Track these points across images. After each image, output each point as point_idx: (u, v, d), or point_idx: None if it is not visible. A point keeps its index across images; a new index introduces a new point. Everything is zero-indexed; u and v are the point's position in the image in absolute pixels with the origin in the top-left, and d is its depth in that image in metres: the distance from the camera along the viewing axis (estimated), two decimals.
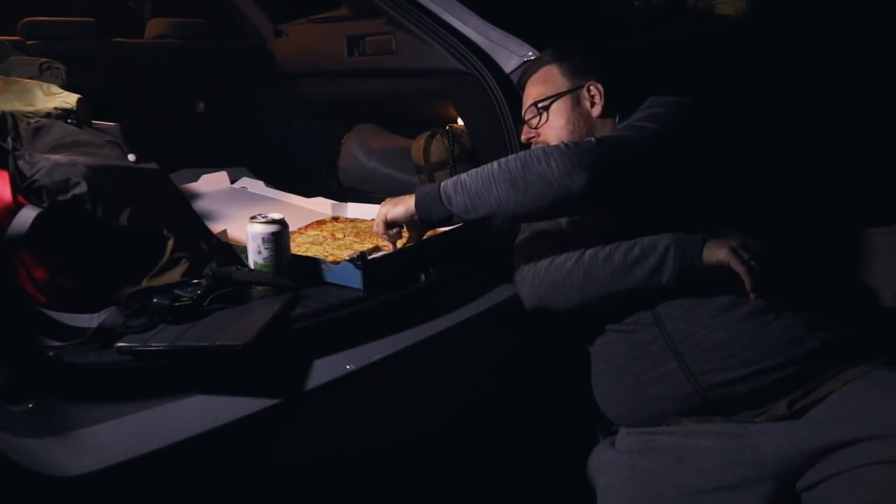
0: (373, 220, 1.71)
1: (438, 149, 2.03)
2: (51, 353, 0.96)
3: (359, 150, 2.39)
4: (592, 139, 1.11)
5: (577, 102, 1.33)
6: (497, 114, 1.64)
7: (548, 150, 1.10)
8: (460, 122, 2.09)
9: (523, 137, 1.39)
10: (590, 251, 1.16)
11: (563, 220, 1.29)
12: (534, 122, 1.36)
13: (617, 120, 1.31)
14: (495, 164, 1.13)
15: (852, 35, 2.27)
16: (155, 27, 2.66)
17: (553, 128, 1.33)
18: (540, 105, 1.34)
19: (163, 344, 0.99)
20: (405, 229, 1.30)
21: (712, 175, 1.19)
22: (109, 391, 0.96)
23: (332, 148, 2.50)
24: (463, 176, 1.16)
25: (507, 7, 1.80)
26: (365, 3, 2.13)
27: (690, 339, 1.11)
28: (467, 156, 2.02)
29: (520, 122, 1.65)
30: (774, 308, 1.09)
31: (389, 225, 1.25)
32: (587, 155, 1.07)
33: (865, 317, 1.23)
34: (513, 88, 1.65)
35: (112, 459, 0.89)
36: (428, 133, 2.07)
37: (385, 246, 1.50)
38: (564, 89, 1.34)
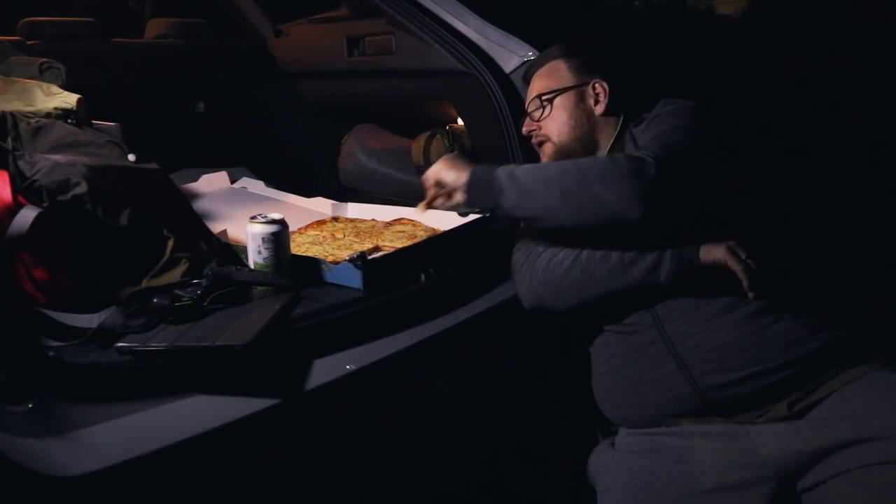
0: (373, 220, 1.73)
1: (438, 149, 2.03)
2: (51, 353, 0.96)
3: (359, 150, 2.38)
4: (650, 160, 1.06)
5: (581, 99, 1.33)
6: (497, 114, 1.64)
7: (608, 167, 1.06)
8: (460, 122, 2.09)
9: (524, 129, 1.39)
10: (587, 250, 1.16)
11: None
12: (536, 114, 1.35)
13: (621, 120, 1.31)
14: (552, 168, 1.12)
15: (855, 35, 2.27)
16: (155, 27, 2.66)
17: (555, 122, 1.33)
18: (544, 98, 1.34)
19: (163, 344, 0.99)
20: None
21: (718, 177, 1.19)
22: (109, 391, 0.96)
23: (332, 148, 2.50)
24: (518, 171, 1.13)
25: (507, 7, 1.80)
26: (365, 3, 2.13)
27: (690, 341, 1.11)
28: (467, 156, 2.01)
29: (519, 119, 1.65)
30: (774, 310, 1.09)
31: (438, 183, 1.21)
32: (647, 184, 1.04)
33: (865, 317, 1.23)
34: (513, 88, 1.65)
35: (112, 459, 0.89)
36: (428, 133, 2.07)
37: (385, 246, 1.51)
38: (569, 84, 1.34)
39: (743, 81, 1.99)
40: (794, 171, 1.90)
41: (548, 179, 1.10)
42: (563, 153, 1.32)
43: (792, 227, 1.46)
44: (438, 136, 2.05)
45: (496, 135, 1.65)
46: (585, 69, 1.35)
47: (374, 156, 2.36)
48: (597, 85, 1.32)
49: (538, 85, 1.38)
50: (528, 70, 1.44)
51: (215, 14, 2.78)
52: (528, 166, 1.14)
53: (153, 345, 0.99)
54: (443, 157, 1.23)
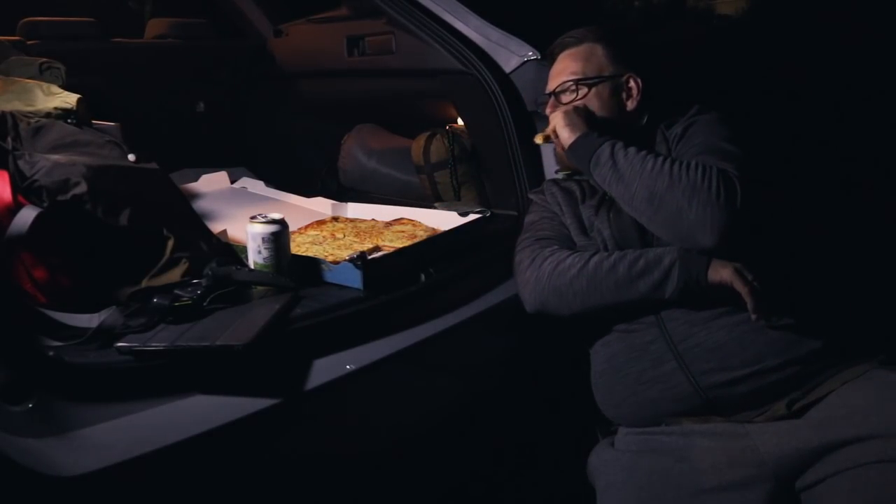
0: (373, 220, 1.72)
1: (438, 149, 2.03)
2: (51, 353, 0.96)
3: (359, 150, 2.38)
4: (738, 187, 1.05)
5: (615, 91, 1.31)
6: (497, 114, 1.64)
7: (698, 183, 1.06)
8: (460, 122, 2.09)
9: (549, 111, 1.35)
10: (594, 259, 1.15)
11: (569, 223, 1.28)
12: (566, 97, 1.32)
13: (646, 121, 1.30)
14: (650, 163, 1.11)
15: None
16: (155, 27, 2.66)
17: None
18: (582, 82, 1.31)
19: (163, 344, 0.99)
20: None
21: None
22: (109, 391, 0.96)
23: (332, 148, 2.50)
24: (619, 153, 1.15)
25: (507, 7, 1.80)
26: (365, 3, 2.13)
27: (691, 339, 1.11)
28: (467, 156, 2.02)
29: (519, 119, 1.64)
30: (775, 310, 1.09)
31: (555, 132, 1.27)
32: (729, 216, 1.04)
33: (863, 317, 1.23)
34: (513, 88, 1.65)
35: (112, 459, 0.89)
36: (428, 133, 2.07)
37: (385, 246, 1.51)
38: (607, 73, 1.31)
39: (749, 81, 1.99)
40: (793, 169, 1.90)
41: (642, 173, 1.11)
42: None
43: (792, 227, 1.46)
44: (438, 136, 2.05)
45: (496, 135, 1.65)
46: (623, 60, 1.32)
47: (374, 156, 2.35)
48: (631, 80, 1.31)
49: (571, 66, 1.33)
50: (556, 47, 1.38)
51: (215, 14, 2.78)
52: (631, 150, 1.15)
53: (153, 345, 0.99)
54: (566, 110, 1.28)
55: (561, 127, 1.25)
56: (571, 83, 1.32)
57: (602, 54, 1.33)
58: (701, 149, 1.17)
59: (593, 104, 1.30)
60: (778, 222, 1.23)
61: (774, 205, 1.18)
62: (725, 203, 1.05)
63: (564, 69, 1.34)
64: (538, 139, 1.37)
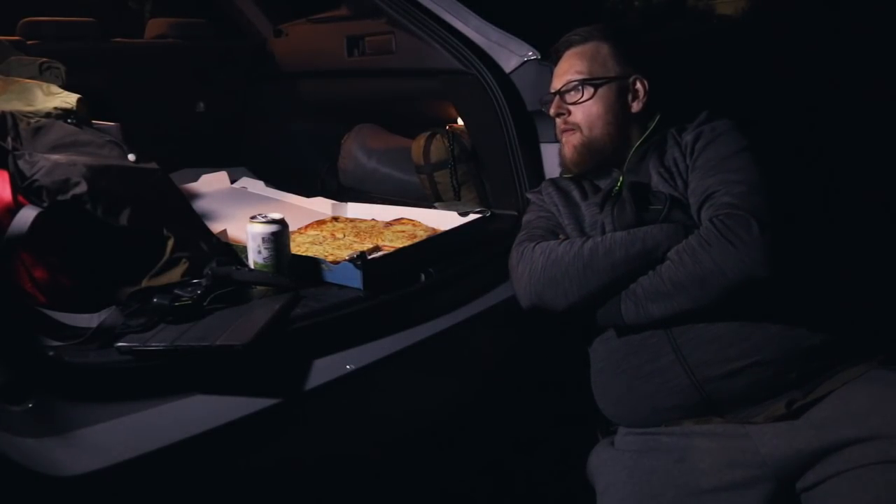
0: (373, 220, 1.72)
1: (438, 149, 2.03)
2: (51, 353, 0.96)
3: (359, 150, 2.39)
4: (753, 224, 1.04)
5: (621, 92, 1.30)
6: (497, 114, 1.64)
7: (720, 273, 1.04)
8: (460, 122, 2.09)
9: (553, 111, 1.34)
10: (588, 245, 1.15)
11: (566, 223, 1.28)
12: (571, 97, 1.31)
13: (656, 120, 1.29)
14: (670, 285, 1.08)
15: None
16: (155, 27, 2.66)
17: (590, 113, 1.29)
18: (588, 82, 1.29)
19: (163, 344, 0.99)
20: None
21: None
22: (109, 391, 0.96)
23: (332, 148, 2.50)
24: (639, 290, 1.11)
25: (507, 7, 1.80)
26: (365, 3, 2.14)
27: (690, 332, 1.11)
28: (467, 156, 2.02)
29: (519, 119, 1.63)
30: (775, 306, 1.09)
31: None
32: (760, 251, 1.03)
33: (863, 316, 1.23)
34: (513, 88, 1.65)
35: (112, 459, 0.89)
36: (428, 133, 2.07)
37: (385, 246, 1.51)
38: (613, 74, 1.30)
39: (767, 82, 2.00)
40: (794, 170, 1.90)
41: (677, 289, 1.08)
42: (589, 146, 1.30)
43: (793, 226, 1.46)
44: (438, 136, 2.05)
45: (496, 135, 1.65)
46: (629, 60, 1.31)
47: (374, 156, 2.36)
48: (637, 82, 1.30)
49: (576, 64, 1.32)
50: (562, 44, 1.37)
51: (215, 14, 2.78)
52: (644, 280, 1.11)
53: (153, 345, 0.99)
54: None
55: None
56: (577, 83, 1.30)
57: (608, 53, 1.31)
58: (711, 183, 1.15)
59: (599, 108, 1.29)
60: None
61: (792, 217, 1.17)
62: (752, 248, 1.03)
63: (569, 68, 1.33)
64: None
